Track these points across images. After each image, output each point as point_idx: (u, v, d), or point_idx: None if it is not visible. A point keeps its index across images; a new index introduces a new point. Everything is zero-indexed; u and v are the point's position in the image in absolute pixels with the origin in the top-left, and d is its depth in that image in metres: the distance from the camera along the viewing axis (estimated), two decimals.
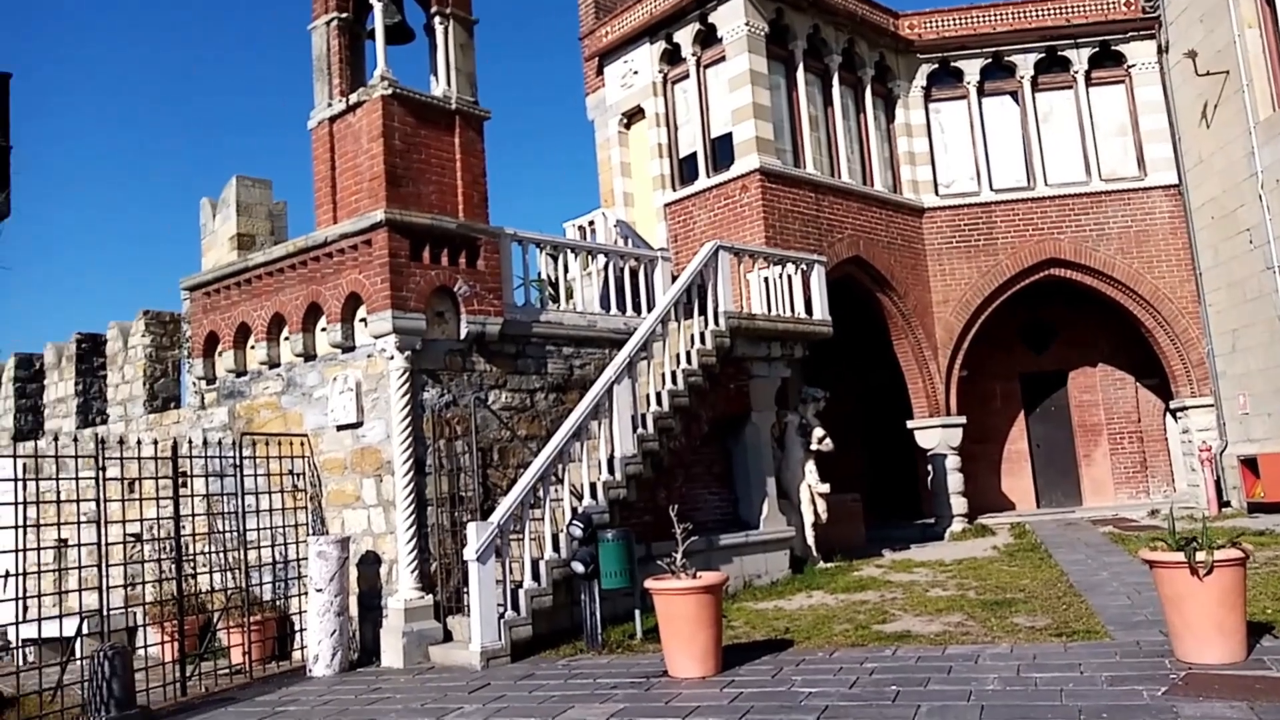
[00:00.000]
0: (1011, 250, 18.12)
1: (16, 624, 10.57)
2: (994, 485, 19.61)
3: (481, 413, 11.06)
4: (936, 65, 18.70)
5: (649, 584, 8.26)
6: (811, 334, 13.89)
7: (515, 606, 9.69)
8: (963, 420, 18.00)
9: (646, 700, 7.22)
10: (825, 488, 13.69)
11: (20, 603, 10.69)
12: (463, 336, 11.03)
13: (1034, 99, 18.69)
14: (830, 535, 14.12)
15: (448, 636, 10.08)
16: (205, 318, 12.50)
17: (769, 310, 13.43)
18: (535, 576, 9.97)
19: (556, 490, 10.46)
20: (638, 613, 9.86)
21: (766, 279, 13.58)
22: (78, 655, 10.02)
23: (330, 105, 11.35)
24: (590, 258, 13.44)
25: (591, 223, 16.66)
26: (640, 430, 11.38)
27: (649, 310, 12.85)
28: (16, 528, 9.70)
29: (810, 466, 13.76)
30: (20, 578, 9.95)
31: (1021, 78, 18.64)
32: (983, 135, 18.65)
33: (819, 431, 13.81)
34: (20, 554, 8.96)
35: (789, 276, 13.84)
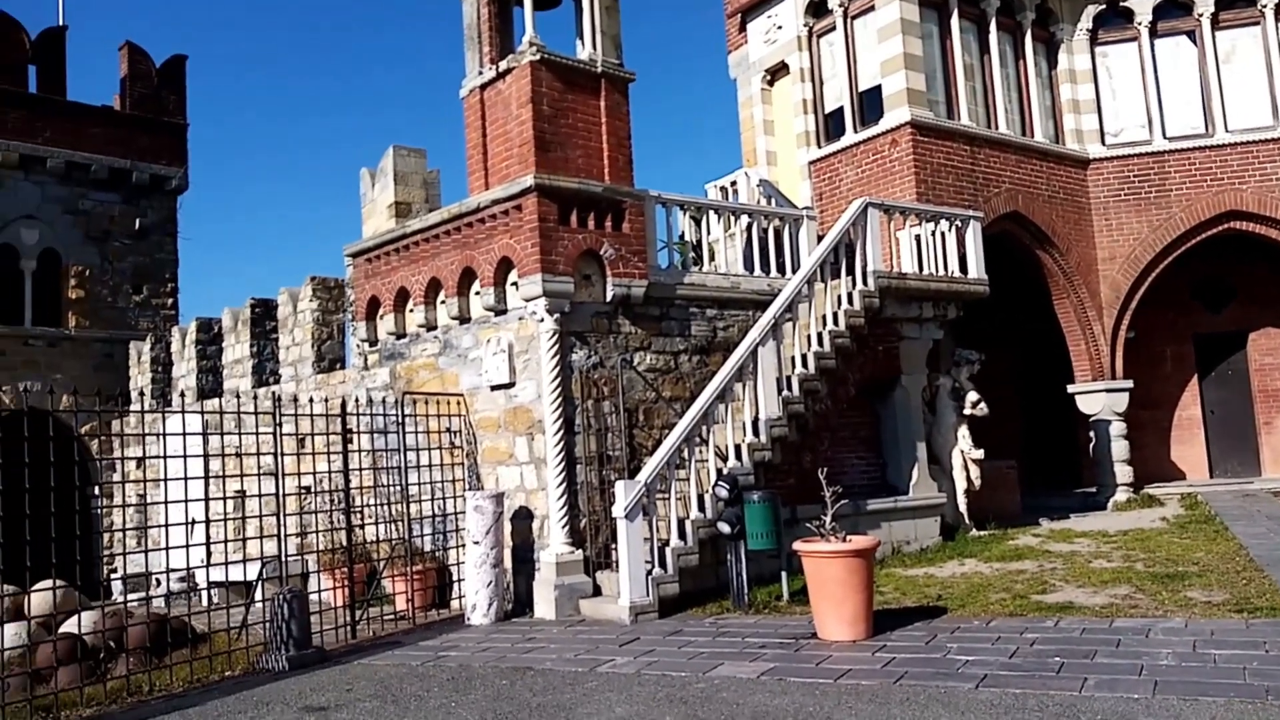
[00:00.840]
0: (1186, 202, 16.85)
1: (205, 567, 11.50)
2: (1162, 454, 18.45)
3: (627, 374, 11.20)
4: (1104, 6, 17.46)
5: (798, 546, 8.22)
6: (966, 294, 13.37)
7: (662, 564, 9.84)
8: (1129, 385, 16.98)
9: (796, 661, 7.22)
10: (979, 454, 13.23)
11: (205, 548, 11.60)
12: (609, 299, 11.17)
13: (1214, 38, 17.21)
14: (983, 503, 13.65)
15: (597, 591, 10.35)
16: (367, 283, 13.11)
17: (920, 269, 13.00)
18: (681, 535, 10.08)
19: (701, 451, 10.50)
20: (784, 574, 9.84)
21: (918, 236, 13.13)
22: (257, 598, 10.82)
23: (481, 73, 11.60)
24: (733, 218, 13.32)
25: (734, 183, 16.48)
26: (785, 393, 11.28)
27: (793, 271, 12.64)
28: (202, 478, 10.50)
29: (963, 432, 13.31)
30: (205, 525, 10.82)
31: (1200, 15, 17.19)
32: (1155, 79, 17.33)
33: (973, 395, 13.32)
34: (205, 503, 9.69)
35: (942, 234, 13.34)
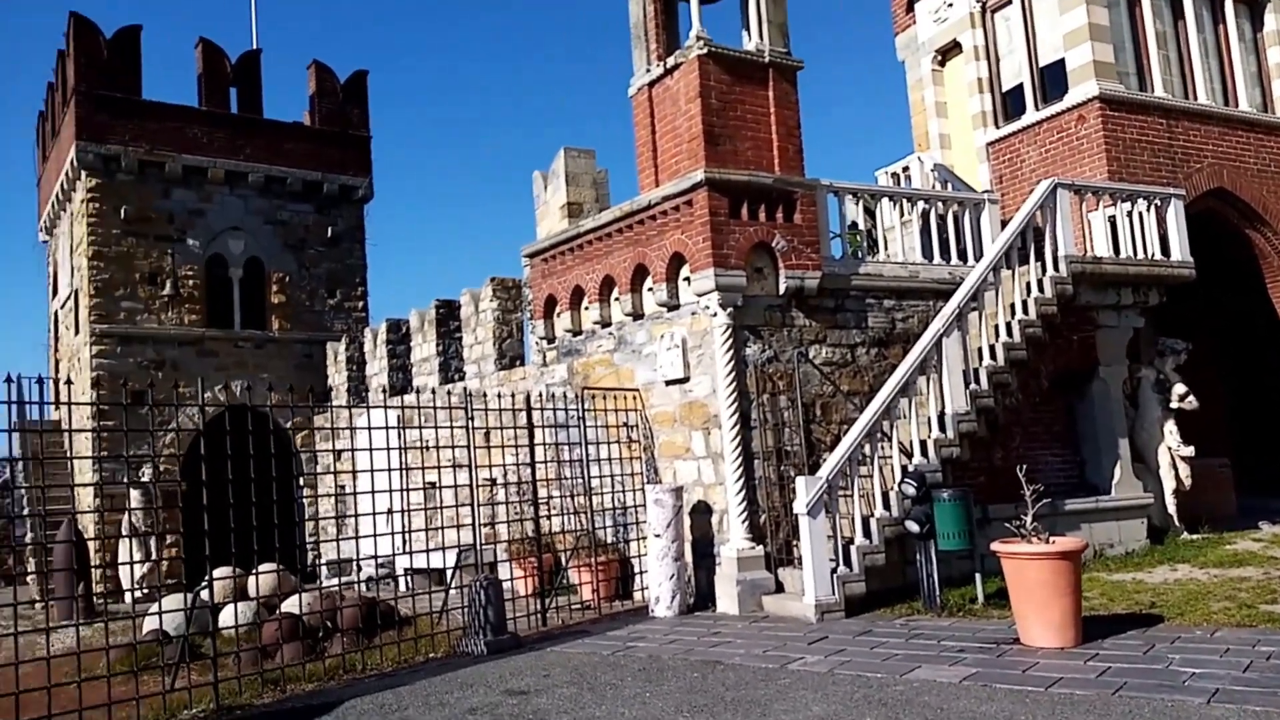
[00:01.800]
0: None
1: (400, 555, 12.21)
2: None
3: (803, 368, 11.07)
4: None
5: (998, 547, 7.91)
6: (1168, 278, 12.49)
7: (847, 562, 9.68)
8: None
9: (1000, 666, 6.96)
10: (1188, 451, 12.32)
11: (400, 536, 12.27)
12: (782, 292, 11.07)
13: None
14: (1194, 504, 12.68)
15: (779, 587, 10.30)
16: (544, 282, 13.52)
17: (1116, 253, 12.23)
18: (866, 534, 9.89)
19: (884, 447, 10.27)
20: (979, 576, 9.49)
21: (1112, 218, 12.36)
22: (450, 584, 11.35)
23: (649, 70, 11.72)
24: (908, 205, 12.91)
25: (906, 169, 16.00)
26: (972, 386, 10.87)
27: (975, 259, 12.15)
28: (394, 470, 11.11)
29: (1170, 427, 12.43)
30: (399, 515, 11.45)
31: None
32: None
33: (1180, 388, 12.43)
34: (399, 494, 10.25)
35: (1139, 214, 12.50)
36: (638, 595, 11.38)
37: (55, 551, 16.44)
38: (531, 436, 11.15)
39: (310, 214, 23.20)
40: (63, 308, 23.78)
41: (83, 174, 20.84)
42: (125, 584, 17.18)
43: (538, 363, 13.99)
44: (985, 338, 11.26)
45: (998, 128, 15.98)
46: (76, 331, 21.90)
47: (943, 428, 10.62)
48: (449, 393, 11.79)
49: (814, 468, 10.55)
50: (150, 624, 11.14)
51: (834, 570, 9.52)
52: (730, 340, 10.65)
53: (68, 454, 14.94)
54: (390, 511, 10.88)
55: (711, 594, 10.61)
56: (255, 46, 23.75)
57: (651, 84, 11.70)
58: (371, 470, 9.99)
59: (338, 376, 21.13)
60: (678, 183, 10.88)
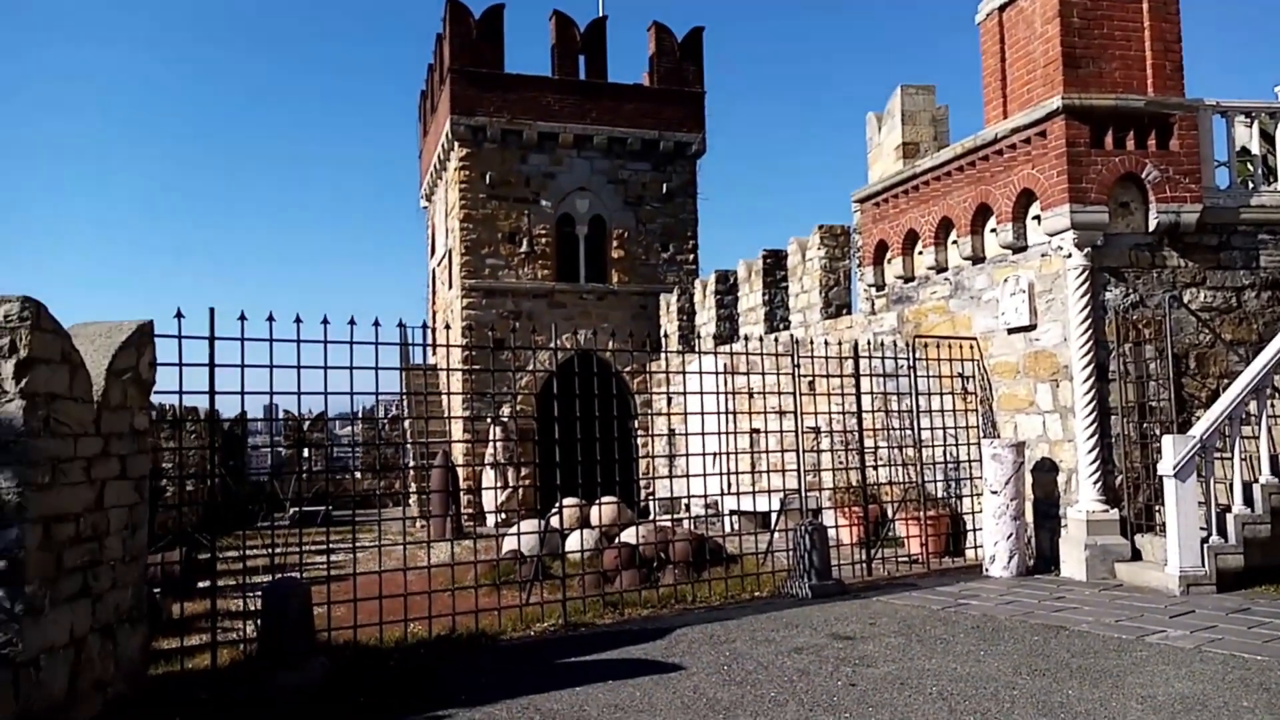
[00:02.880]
0: None
1: (725, 496, 12.55)
2: None
3: (1175, 314, 9.80)
4: None
5: None
6: None
7: (1221, 532, 8.53)
8: None
9: None
10: None
11: (725, 479, 12.58)
12: (1151, 229, 9.84)
13: None
14: None
15: (1135, 555, 9.31)
16: (874, 227, 13.09)
17: None
18: (1248, 502, 8.64)
19: (1274, 405, 8.86)
20: None
21: None
22: (775, 527, 11.48)
23: None
24: None
25: None
26: None
27: None
28: (721, 414, 11.36)
29: None
30: (725, 458, 11.72)
31: None
32: None
33: None
34: (723, 437, 10.47)
35: None
36: (969, 553, 10.82)
37: (432, 477, 18.81)
38: (858, 385, 10.90)
39: (648, 171, 24.23)
40: (439, 265, 26.88)
41: (455, 144, 23.28)
42: (487, 508, 19.27)
43: (865, 311, 13.63)
44: None
45: None
46: (450, 286, 24.66)
47: None
48: (775, 340, 11.82)
49: (1184, 426, 9.36)
50: (508, 544, 12.41)
51: (1204, 540, 8.42)
52: (1086, 283, 9.67)
53: (440, 392, 16.96)
54: (716, 454, 11.17)
55: (1054, 557, 9.82)
56: (601, 14, 25.04)
57: (1002, 7, 10.82)
58: (701, 413, 10.31)
59: (669, 325, 22.03)
60: (1030, 112, 10.00)
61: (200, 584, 9.67)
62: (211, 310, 6.70)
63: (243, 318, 6.76)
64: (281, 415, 24.65)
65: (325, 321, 7.17)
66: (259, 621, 6.26)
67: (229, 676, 6.36)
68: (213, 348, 6.66)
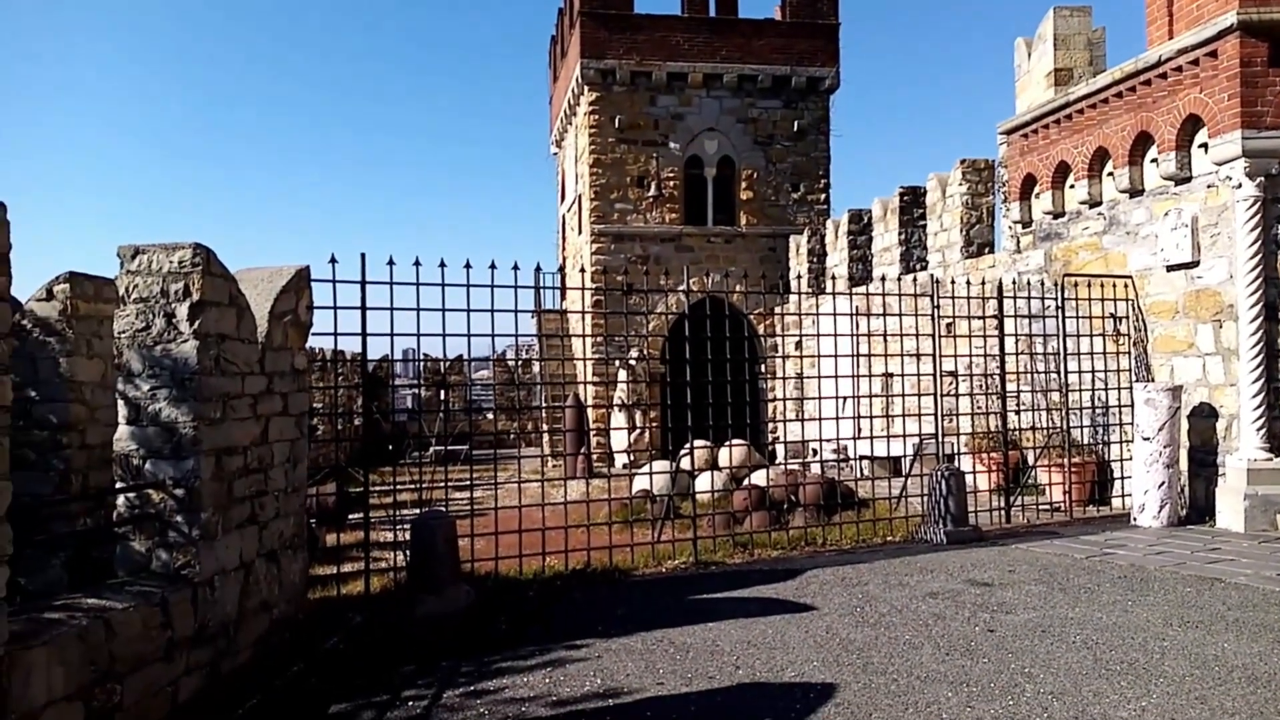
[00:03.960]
0: None
1: (856, 440, 12.34)
2: None
3: None
4: None
5: None
6: None
7: None
8: None
9: None
10: None
11: (855, 423, 12.40)
12: None
13: None
14: None
15: None
16: (1021, 160, 12.44)
17: None
18: None
19: None
20: None
21: None
22: (909, 472, 11.26)
23: None
24: None
25: None
26: None
27: None
28: (852, 357, 11.13)
29: None
30: (856, 401, 11.51)
31: None
32: None
33: None
34: (855, 380, 10.29)
35: None
36: (1116, 502, 10.37)
37: (564, 417, 19.27)
38: (1001, 327, 10.50)
39: (778, 109, 23.69)
40: (569, 211, 27.18)
41: (585, 89, 23.33)
42: (616, 449, 19.64)
43: (1009, 249, 13.04)
44: None
45: None
46: (579, 231, 24.94)
47: None
48: (914, 281, 11.48)
49: None
50: (639, 484, 12.65)
51: None
52: (1258, 216, 8.98)
53: (571, 335, 17.26)
54: (847, 398, 11.01)
55: (1209, 507, 9.31)
56: None
57: None
58: (835, 357, 10.14)
59: (799, 267, 21.67)
60: (1199, 30, 9.25)
61: (352, 516, 10.28)
62: (363, 256, 7.00)
63: (391, 263, 7.03)
64: (421, 359, 25.66)
65: (468, 266, 7.38)
66: (408, 552, 6.61)
67: (380, 602, 6.77)
68: (364, 291, 6.97)
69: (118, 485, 4.90)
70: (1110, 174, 10.87)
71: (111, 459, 4.97)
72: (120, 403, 4.93)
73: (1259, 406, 8.95)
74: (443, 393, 24.38)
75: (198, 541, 4.85)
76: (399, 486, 11.23)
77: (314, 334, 6.39)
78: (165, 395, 4.86)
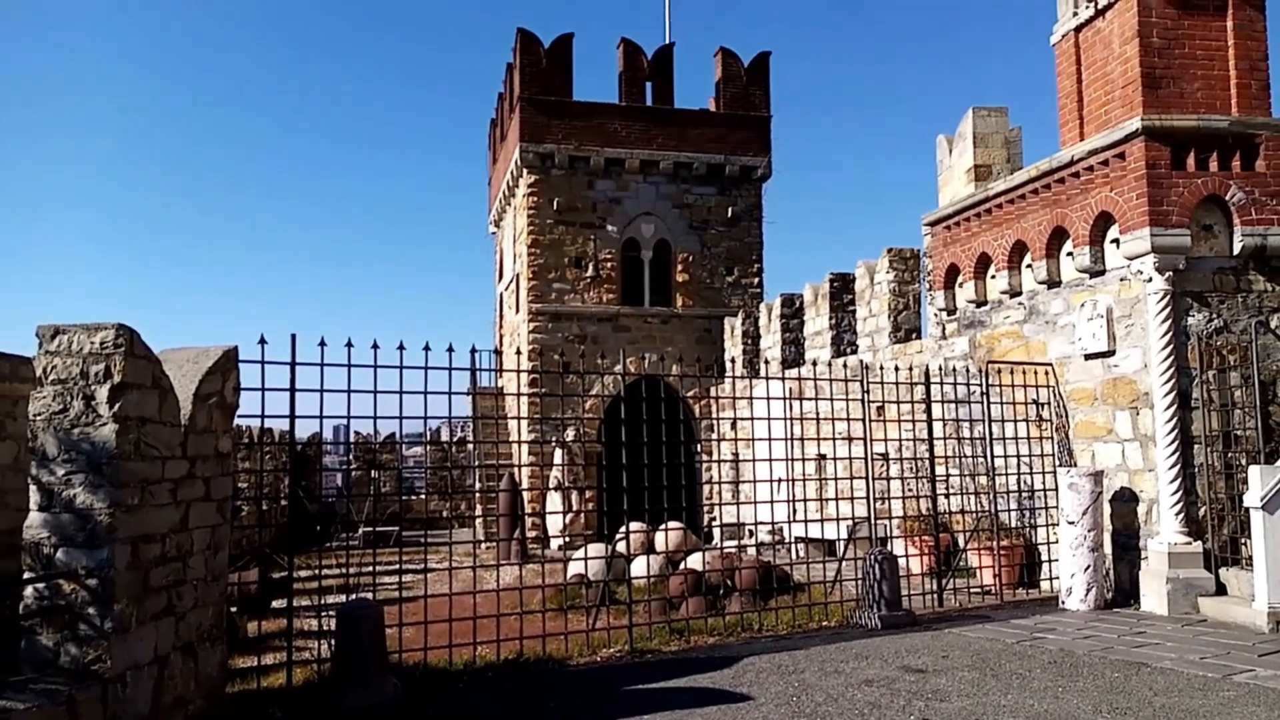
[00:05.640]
0: None
1: (790, 523, 12.41)
2: None
3: (1262, 339, 9.47)
4: None
5: None
6: None
7: None
8: None
9: None
10: None
11: (790, 505, 12.44)
12: (1236, 252, 9.56)
13: None
14: None
15: (1220, 590, 8.97)
16: (945, 250, 12.91)
17: None
18: None
19: None
20: None
21: None
22: (843, 556, 11.32)
23: (1075, 14, 10.65)
24: None
25: None
26: None
27: None
28: (786, 440, 11.27)
29: None
30: (791, 483, 11.60)
31: None
32: None
33: None
34: (789, 463, 10.39)
35: None
36: (1044, 584, 10.53)
37: (499, 499, 18.99)
38: (929, 412, 10.73)
39: (713, 195, 24.29)
40: (506, 289, 27.25)
41: (524, 171, 23.65)
42: (551, 531, 19.36)
43: (935, 335, 13.42)
44: None
45: None
46: (517, 310, 24.98)
47: None
48: (844, 365, 11.71)
49: (1271, 455, 9.03)
50: (574, 569, 12.46)
51: None
52: (1168, 308, 9.41)
53: (507, 416, 17.15)
54: (782, 480, 11.09)
55: (1133, 590, 9.51)
56: (668, 40, 25.30)
57: (1079, 28, 10.67)
58: (769, 439, 10.26)
59: (734, 349, 21.96)
60: (1108, 134, 9.81)
61: (275, 603, 9.90)
62: (293, 336, 6.90)
63: (322, 344, 6.95)
64: (352, 438, 25.17)
65: (401, 347, 7.33)
66: (333, 642, 6.38)
67: (304, 695, 6.49)
68: (294, 372, 6.85)
69: (26, 575, 4.66)
70: (1029, 266, 11.32)
71: (20, 546, 4.74)
72: (33, 487, 4.73)
73: (1176, 491, 9.24)
74: (374, 472, 23.87)
75: (110, 635, 4.62)
76: (325, 572, 10.88)
77: (241, 415, 6.25)
78: (81, 480, 4.68)
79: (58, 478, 4.69)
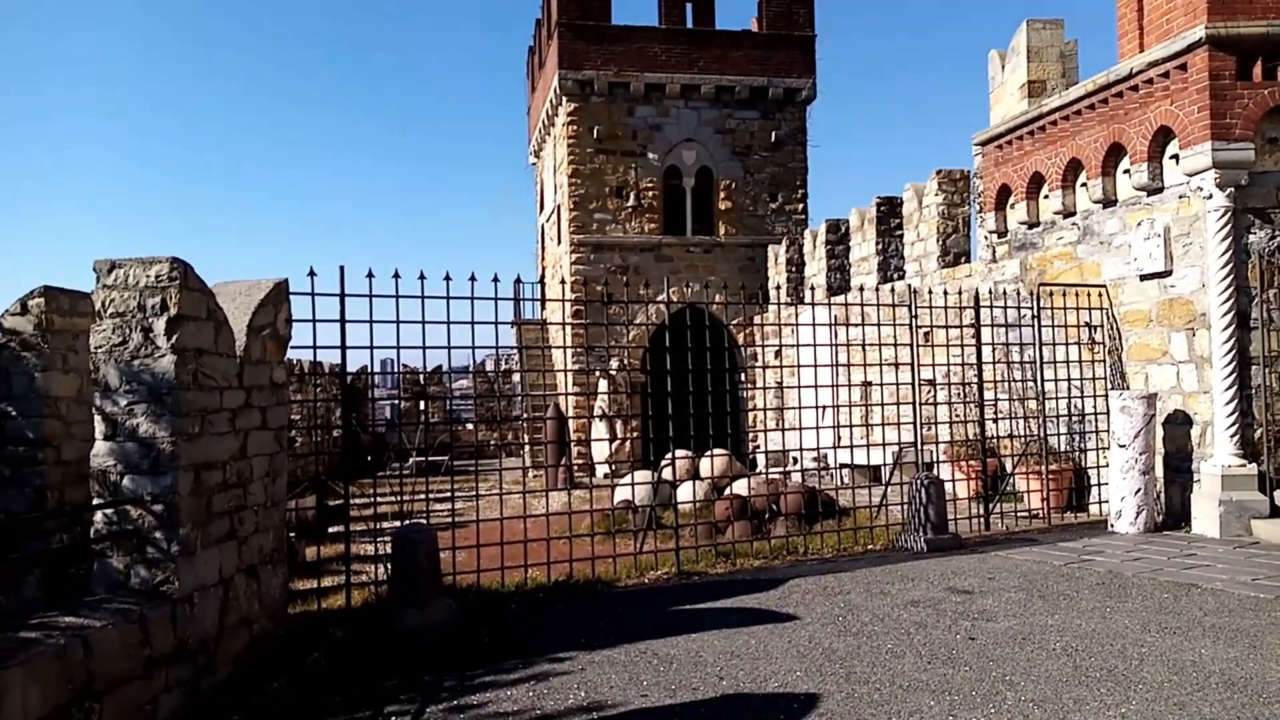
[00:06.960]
0: None
1: (835, 449, 12.42)
2: None
3: None
4: None
5: None
6: None
7: None
8: None
9: None
10: None
11: (835, 432, 12.42)
12: None
13: None
14: None
15: (1274, 512, 8.85)
16: (996, 171, 12.58)
17: None
18: None
19: None
20: None
21: None
22: (888, 480, 11.33)
23: None
24: None
25: None
26: None
27: None
28: (831, 366, 11.19)
29: None
30: (836, 410, 11.58)
31: None
32: None
33: None
34: (834, 390, 10.33)
35: None
36: (1093, 508, 10.47)
37: (545, 428, 19.24)
38: (978, 336, 10.59)
39: (755, 120, 23.83)
40: (548, 221, 27.17)
41: (563, 99, 23.36)
42: (596, 460, 19.61)
43: (985, 259, 13.17)
44: None
45: None
46: (559, 241, 24.93)
47: None
48: (893, 290, 11.56)
49: None
50: (620, 495, 12.64)
51: None
52: (1228, 226, 9.12)
53: (551, 346, 17.28)
54: (826, 407, 11.06)
55: (1184, 513, 9.42)
56: None
57: None
58: (815, 366, 10.18)
59: (778, 277, 21.76)
60: (1169, 44, 9.40)
61: (332, 529, 10.20)
62: (341, 269, 6.98)
63: (370, 275, 7.01)
64: (401, 368, 25.56)
65: (448, 278, 7.37)
66: (389, 565, 6.57)
67: (362, 616, 6.72)
68: (343, 304, 6.94)
69: (95, 501, 4.85)
70: (1084, 185, 11.01)
71: (88, 475, 4.92)
72: (97, 418, 4.89)
73: (1232, 414, 9.07)
74: (422, 404, 24.27)
75: (176, 557, 4.80)
76: (379, 499, 11.16)
77: (292, 347, 6.36)
78: (143, 410, 4.82)
79: (120, 408, 4.84)
